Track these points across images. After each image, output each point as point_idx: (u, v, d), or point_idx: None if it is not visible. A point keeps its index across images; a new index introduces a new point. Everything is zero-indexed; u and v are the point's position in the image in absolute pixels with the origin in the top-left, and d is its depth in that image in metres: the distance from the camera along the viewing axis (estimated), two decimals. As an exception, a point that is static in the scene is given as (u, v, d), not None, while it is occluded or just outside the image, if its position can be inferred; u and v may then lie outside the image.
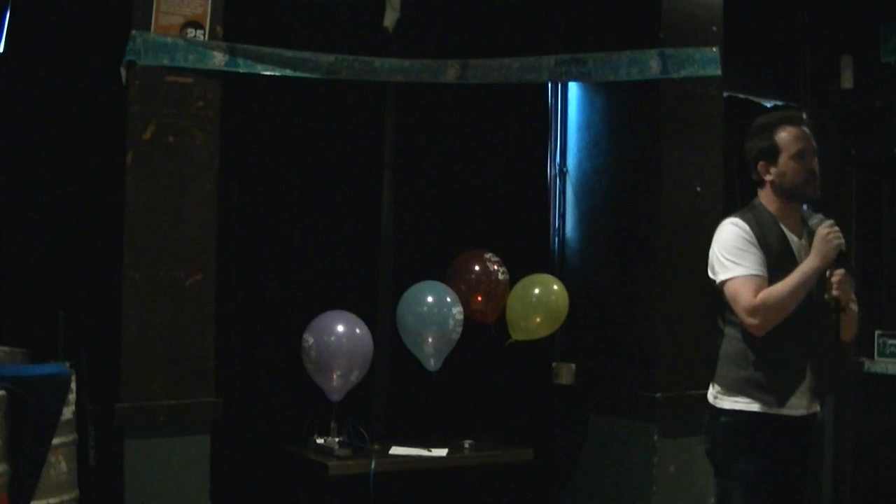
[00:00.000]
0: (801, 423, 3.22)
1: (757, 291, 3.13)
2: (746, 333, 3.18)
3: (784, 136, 3.23)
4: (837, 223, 3.19)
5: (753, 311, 3.12)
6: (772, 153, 3.23)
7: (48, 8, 4.07)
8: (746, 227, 3.20)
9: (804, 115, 3.36)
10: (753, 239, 3.19)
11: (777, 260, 3.19)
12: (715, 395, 3.26)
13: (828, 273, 3.14)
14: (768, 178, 3.25)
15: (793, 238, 3.26)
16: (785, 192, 3.24)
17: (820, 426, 5.34)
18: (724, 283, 3.20)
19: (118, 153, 3.81)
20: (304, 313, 4.36)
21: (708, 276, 3.30)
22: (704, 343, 3.37)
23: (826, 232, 3.13)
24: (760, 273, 3.16)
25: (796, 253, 3.23)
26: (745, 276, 3.15)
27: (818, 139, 3.34)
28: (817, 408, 3.27)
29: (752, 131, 3.33)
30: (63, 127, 4.10)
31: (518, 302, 4.71)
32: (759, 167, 3.27)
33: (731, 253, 3.19)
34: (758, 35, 5.55)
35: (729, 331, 3.25)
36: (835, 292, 3.13)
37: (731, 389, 3.21)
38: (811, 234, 3.24)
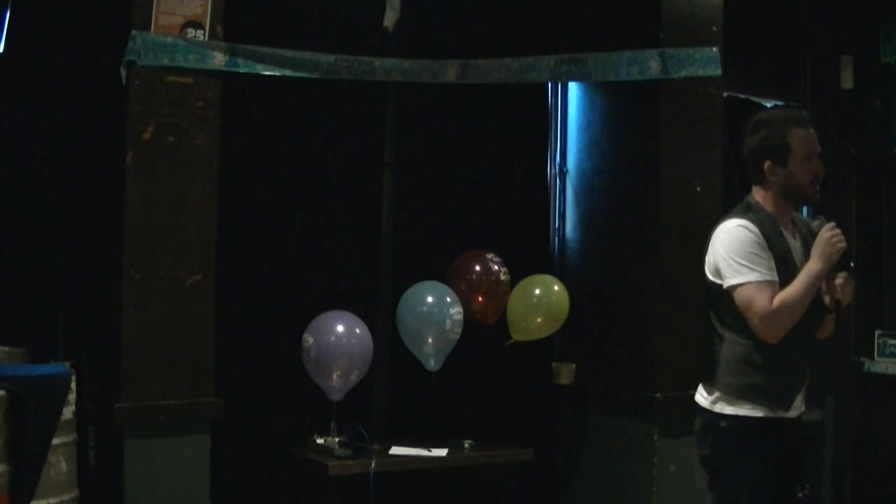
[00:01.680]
0: (796, 423, 3.21)
1: (772, 297, 3.05)
2: (751, 338, 3.10)
3: (795, 137, 3.16)
4: (837, 223, 3.15)
5: (770, 317, 3.03)
6: (781, 154, 3.15)
7: (48, 8, 4.07)
8: (756, 229, 3.11)
9: (808, 116, 3.30)
10: (763, 242, 3.10)
11: (778, 262, 3.13)
12: (714, 401, 3.17)
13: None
14: (773, 178, 3.17)
15: (789, 239, 3.22)
16: (787, 194, 3.19)
17: (820, 426, 5.39)
18: (735, 288, 3.09)
19: (118, 153, 3.81)
20: (304, 313, 4.36)
21: (706, 279, 3.22)
22: (704, 343, 3.35)
23: (829, 235, 3.09)
24: (774, 278, 3.08)
25: (794, 254, 3.19)
26: (761, 281, 3.06)
27: (818, 139, 3.32)
28: (804, 407, 3.24)
29: (756, 128, 3.22)
30: (63, 127, 4.09)
31: (519, 303, 4.71)
32: (765, 166, 3.18)
33: (743, 257, 3.08)
34: (758, 35, 5.54)
35: (730, 336, 3.16)
36: (838, 296, 3.11)
37: (734, 396, 3.13)
38: (805, 236, 3.22)
